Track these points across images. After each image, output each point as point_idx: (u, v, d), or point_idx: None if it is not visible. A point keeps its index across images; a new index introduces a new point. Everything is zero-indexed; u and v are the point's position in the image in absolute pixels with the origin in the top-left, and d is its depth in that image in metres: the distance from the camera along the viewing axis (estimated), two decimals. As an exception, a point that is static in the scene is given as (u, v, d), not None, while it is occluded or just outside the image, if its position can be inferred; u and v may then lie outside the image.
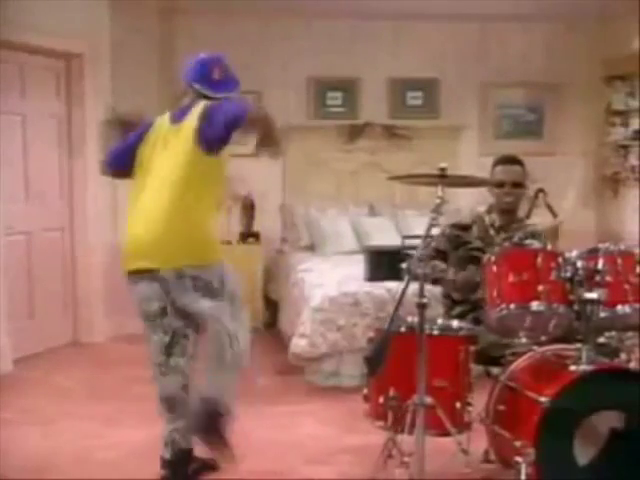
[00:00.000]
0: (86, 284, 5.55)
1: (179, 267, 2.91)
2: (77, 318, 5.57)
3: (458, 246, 3.49)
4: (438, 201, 2.74)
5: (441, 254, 3.45)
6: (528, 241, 3.22)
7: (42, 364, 4.96)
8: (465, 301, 3.43)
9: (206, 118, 2.95)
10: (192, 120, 2.99)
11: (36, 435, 3.70)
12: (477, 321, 3.16)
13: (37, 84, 5.23)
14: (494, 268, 2.95)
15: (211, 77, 3.09)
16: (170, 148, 3.01)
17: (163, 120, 3.12)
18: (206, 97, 3.06)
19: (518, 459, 2.60)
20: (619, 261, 2.84)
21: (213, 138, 2.93)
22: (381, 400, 2.88)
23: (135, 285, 3.00)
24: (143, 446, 3.41)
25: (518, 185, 3.50)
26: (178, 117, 3.06)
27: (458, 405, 2.88)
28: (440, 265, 3.41)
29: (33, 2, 4.87)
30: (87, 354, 5.30)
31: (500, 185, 3.47)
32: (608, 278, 2.79)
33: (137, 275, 2.97)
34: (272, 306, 6.00)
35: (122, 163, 3.13)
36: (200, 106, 3.02)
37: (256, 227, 6.33)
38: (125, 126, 3.27)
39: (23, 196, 5.18)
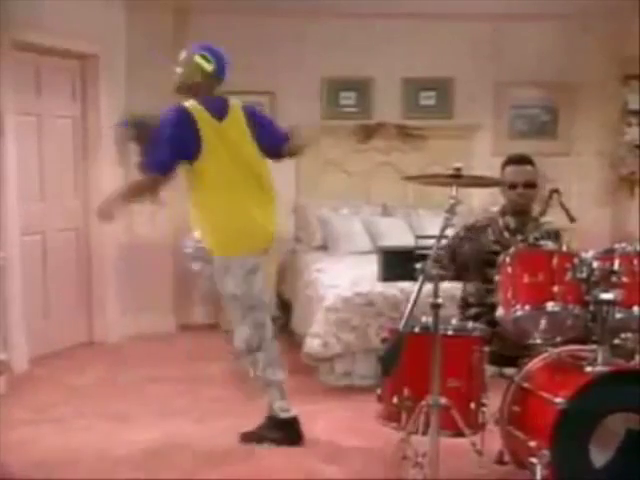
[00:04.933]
0: (101, 284, 5.58)
1: None
2: (92, 317, 5.59)
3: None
4: (452, 201, 2.73)
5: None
6: (543, 242, 3.19)
7: (58, 363, 4.98)
8: (480, 304, 3.41)
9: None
10: (240, 119, 3.38)
11: (51, 434, 3.72)
12: (492, 324, 3.14)
13: (52, 85, 5.25)
14: (509, 269, 2.94)
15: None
16: (234, 145, 3.34)
17: (200, 112, 3.32)
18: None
19: (533, 460, 2.60)
20: (635, 262, 2.83)
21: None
22: (395, 400, 2.88)
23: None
24: (158, 445, 3.42)
25: (530, 185, 3.39)
26: (218, 112, 3.34)
27: (472, 406, 2.87)
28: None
29: (48, 3, 4.89)
30: (102, 353, 5.32)
31: (512, 186, 3.37)
32: (624, 279, 2.78)
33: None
34: (285, 306, 6.01)
35: (176, 165, 3.35)
36: (237, 105, 3.39)
37: (270, 227, 6.33)
38: (140, 128, 3.30)
39: (38, 196, 5.21)
